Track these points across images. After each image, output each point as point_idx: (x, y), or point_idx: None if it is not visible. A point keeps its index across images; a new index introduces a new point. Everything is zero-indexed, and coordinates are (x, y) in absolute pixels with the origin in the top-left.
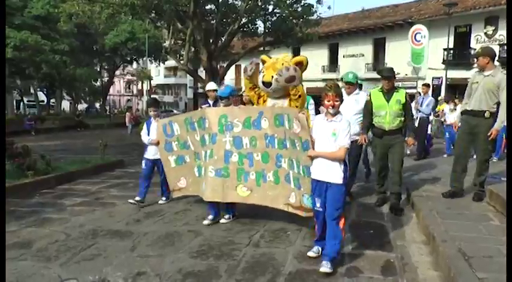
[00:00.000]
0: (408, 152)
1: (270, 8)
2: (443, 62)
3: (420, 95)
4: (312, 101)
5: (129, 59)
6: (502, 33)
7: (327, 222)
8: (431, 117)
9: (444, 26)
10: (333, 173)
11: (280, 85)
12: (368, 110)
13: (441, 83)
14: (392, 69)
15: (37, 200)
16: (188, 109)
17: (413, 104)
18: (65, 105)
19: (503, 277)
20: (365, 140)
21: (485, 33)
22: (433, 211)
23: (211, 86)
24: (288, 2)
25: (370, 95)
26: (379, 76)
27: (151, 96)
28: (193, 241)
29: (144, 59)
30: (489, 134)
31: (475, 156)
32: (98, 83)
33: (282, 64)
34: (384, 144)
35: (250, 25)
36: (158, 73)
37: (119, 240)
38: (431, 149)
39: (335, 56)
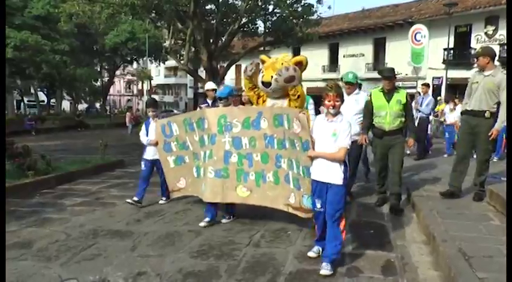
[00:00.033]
0: (408, 152)
1: (270, 7)
2: (444, 61)
3: (420, 94)
4: (311, 101)
5: (129, 59)
6: (502, 33)
7: (327, 223)
8: (430, 117)
9: (444, 26)
10: (333, 174)
11: (280, 85)
12: (368, 110)
13: (441, 83)
14: (393, 69)
15: (37, 200)
16: (188, 109)
17: (413, 104)
18: (65, 105)
19: (503, 277)
20: (365, 140)
21: (486, 33)
22: (433, 211)
23: (210, 85)
24: (288, 1)
25: (370, 95)
26: (379, 76)
27: (151, 96)
28: (194, 241)
29: (144, 59)
30: (490, 134)
31: (475, 156)
32: (98, 83)
33: (282, 64)
34: (384, 145)
35: (250, 25)
36: (158, 73)
37: (119, 240)
38: (432, 149)
39: (335, 55)
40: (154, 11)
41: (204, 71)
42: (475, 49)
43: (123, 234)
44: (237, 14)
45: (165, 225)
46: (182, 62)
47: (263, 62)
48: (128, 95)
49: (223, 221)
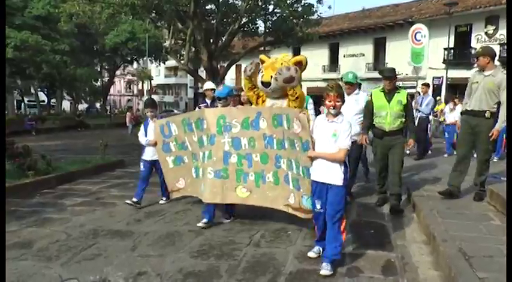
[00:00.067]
0: (408, 152)
1: (271, 7)
2: (444, 61)
3: (420, 94)
4: (311, 101)
5: (129, 59)
6: (502, 33)
7: (327, 224)
8: (430, 117)
9: (445, 26)
10: (333, 175)
11: (279, 85)
12: (369, 110)
13: (442, 82)
14: (393, 69)
15: (38, 200)
16: (189, 109)
17: (412, 104)
18: (66, 105)
19: (503, 277)
20: (366, 141)
21: (486, 33)
22: (433, 211)
23: (208, 85)
24: (288, 1)
25: (371, 95)
26: (379, 76)
27: (150, 96)
28: (194, 241)
29: (145, 59)
30: (490, 134)
31: (475, 156)
32: (99, 83)
33: (281, 64)
34: (384, 145)
35: (250, 25)
36: (158, 73)
37: (119, 240)
38: (432, 148)
39: (335, 55)
40: (154, 11)
41: (204, 71)
42: (476, 49)
43: (123, 234)
44: (237, 14)
45: (165, 225)
46: (182, 62)
47: (262, 62)
48: (128, 95)
49: (224, 221)
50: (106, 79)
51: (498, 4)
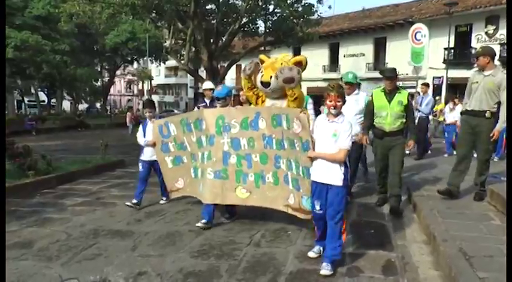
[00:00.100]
0: (408, 152)
1: (271, 7)
2: (444, 61)
3: (419, 94)
4: (310, 101)
5: (129, 59)
6: (502, 33)
7: (327, 224)
8: (429, 117)
9: (445, 26)
10: (333, 175)
11: (279, 84)
12: (370, 110)
13: (442, 82)
14: (394, 69)
15: (38, 200)
16: (189, 109)
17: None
18: (66, 105)
19: (503, 277)
20: (366, 141)
21: (486, 33)
22: (433, 211)
23: (207, 85)
24: (288, 1)
25: (372, 95)
26: (380, 76)
27: (150, 96)
28: (194, 241)
29: (145, 58)
30: (491, 135)
31: (475, 156)
32: (99, 83)
33: (281, 64)
34: (384, 146)
35: (250, 25)
36: (159, 73)
37: (119, 240)
38: (431, 148)
39: (336, 55)
40: (154, 11)
41: (205, 71)
42: (476, 49)
43: (123, 234)
44: (238, 13)
45: (165, 225)
46: (183, 62)
47: (262, 62)
48: (129, 95)
49: (224, 220)
50: (106, 79)
51: (498, 4)
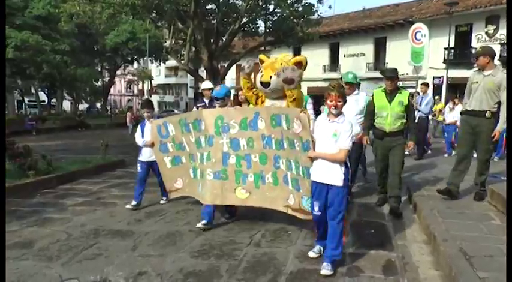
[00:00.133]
0: (407, 152)
1: (271, 7)
2: (444, 61)
3: (419, 94)
4: (310, 101)
5: (129, 59)
6: (503, 33)
7: (328, 224)
8: (429, 117)
9: (445, 25)
10: (333, 175)
11: (279, 84)
12: (370, 111)
13: (442, 82)
14: (395, 69)
15: (38, 200)
16: (189, 109)
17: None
18: (66, 105)
19: (503, 276)
20: (367, 141)
21: (486, 33)
22: (434, 210)
23: (206, 84)
24: (288, 1)
25: (373, 95)
26: (380, 76)
27: (150, 96)
28: (195, 241)
29: (145, 58)
30: (492, 135)
31: (475, 156)
32: (99, 83)
33: (281, 64)
34: (385, 146)
35: (251, 25)
36: (159, 73)
37: (120, 240)
38: (431, 148)
39: (336, 55)
40: (155, 11)
41: (205, 71)
42: (476, 48)
43: (124, 234)
44: (238, 13)
45: (166, 225)
46: (183, 61)
47: (262, 61)
48: (129, 95)
49: (224, 220)
50: (106, 79)
51: (498, 4)
